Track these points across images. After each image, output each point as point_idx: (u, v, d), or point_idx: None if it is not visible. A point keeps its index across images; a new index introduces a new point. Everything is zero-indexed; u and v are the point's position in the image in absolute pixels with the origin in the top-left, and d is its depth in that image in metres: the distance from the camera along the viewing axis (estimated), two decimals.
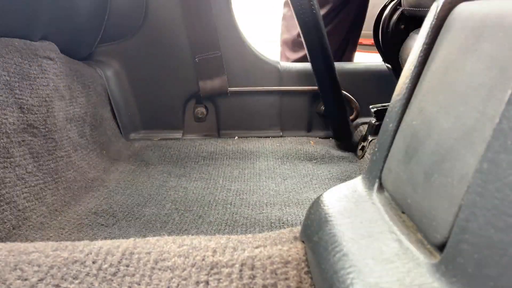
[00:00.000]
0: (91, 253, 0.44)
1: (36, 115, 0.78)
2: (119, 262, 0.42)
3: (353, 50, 1.63)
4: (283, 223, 0.72)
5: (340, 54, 1.58)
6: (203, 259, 0.40)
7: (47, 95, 0.82)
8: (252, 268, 0.39)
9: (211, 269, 0.39)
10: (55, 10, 0.88)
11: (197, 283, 0.38)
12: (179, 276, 0.39)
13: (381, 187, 0.43)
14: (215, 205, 0.81)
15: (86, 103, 1.00)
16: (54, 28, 0.91)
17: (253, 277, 0.37)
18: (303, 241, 0.43)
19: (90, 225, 0.73)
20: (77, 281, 0.40)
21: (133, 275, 0.40)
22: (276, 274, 0.37)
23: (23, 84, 0.78)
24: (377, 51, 1.11)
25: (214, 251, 0.41)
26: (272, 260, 0.39)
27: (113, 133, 1.13)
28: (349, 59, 1.62)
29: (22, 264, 0.43)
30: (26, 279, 0.42)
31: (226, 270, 0.39)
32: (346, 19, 1.54)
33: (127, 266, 0.41)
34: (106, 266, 0.42)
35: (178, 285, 0.38)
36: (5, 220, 0.65)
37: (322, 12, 1.50)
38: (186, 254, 0.42)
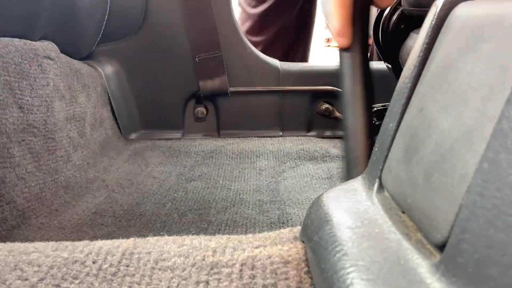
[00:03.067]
0: (91, 253, 0.44)
1: (36, 115, 0.78)
2: (119, 262, 0.42)
3: (306, 50, 1.69)
4: (283, 223, 0.72)
5: (292, 55, 1.63)
6: (203, 259, 0.40)
7: (47, 95, 0.82)
8: (252, 268, 0.39)
9: (211, 269, 0.39)
10: (55, 10, 0.88)
11: (197, 283, 0.38)
12: (179, 276, 0.39)
13: (381, 187, 0.43)
14: (215, 205, 0.81)
15: (86, 103, 1.00)
16: (54, 28, 0.91)
17: (253, 277, 0.37)
18: (303, 241, 0.43)
19: (90, 225, 0.73)
20: (77, 281, 0.40)
21: (133, 275, 0.40)
22: (276, 274, 0.37)
23: (23, 84, 0.78)
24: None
25: (214, 251, 0.41)
26: (272, 260, 0.39)
27: (113, 133, 1.13)
28: (303, 59, 1.67)
29: (22, 264, 0.43)
30: (26, 279, 0.42)
31: (226, 270, 0.39)
32: (293, 21, 1.59)
33: (127, 266, 0.41)
34: (106, 266, 0.42)
35: (178, 285, 0.38)
36: (5, 220, 0.65)
37: (261, 9, 1.54)
38: (186, 254, 0.42)
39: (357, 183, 0.46)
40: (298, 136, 1.24)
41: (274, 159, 1.06)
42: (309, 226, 0.43)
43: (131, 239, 0.46)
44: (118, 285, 0.39)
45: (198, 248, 0.43)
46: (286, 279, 0.37)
